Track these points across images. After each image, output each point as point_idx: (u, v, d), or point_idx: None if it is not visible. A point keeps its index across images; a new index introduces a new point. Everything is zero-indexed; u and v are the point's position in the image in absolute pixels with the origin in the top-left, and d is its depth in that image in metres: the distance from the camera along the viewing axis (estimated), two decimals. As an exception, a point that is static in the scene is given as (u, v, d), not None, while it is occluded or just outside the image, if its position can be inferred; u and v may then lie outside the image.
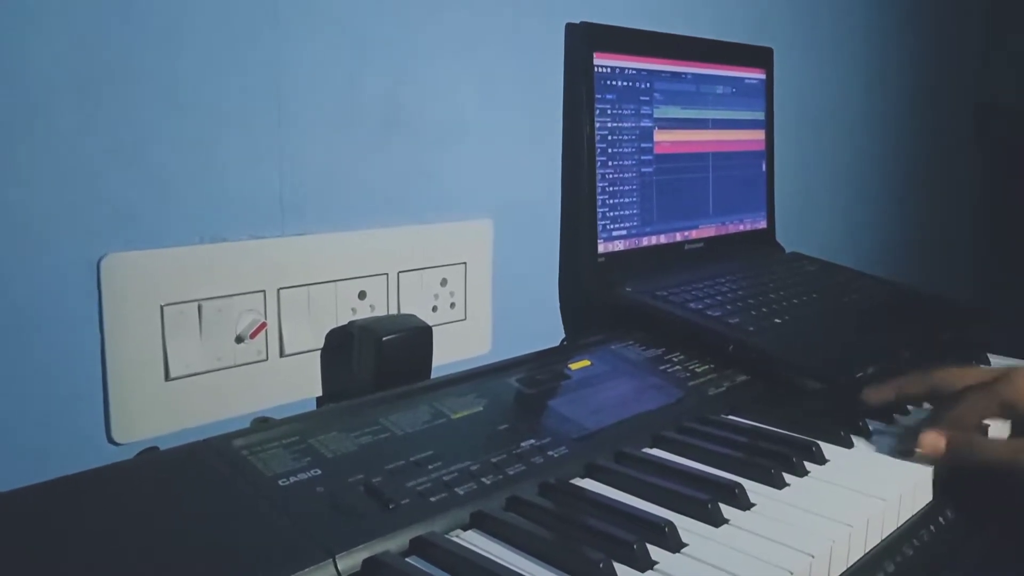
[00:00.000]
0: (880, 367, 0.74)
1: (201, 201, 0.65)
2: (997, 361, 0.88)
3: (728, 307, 0.85)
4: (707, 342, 0.79)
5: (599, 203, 0.90)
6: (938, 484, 0.60)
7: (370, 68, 0.74)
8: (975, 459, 0.59)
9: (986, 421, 0.64)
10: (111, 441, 0.62)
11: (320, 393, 0.73)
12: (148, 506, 0.49)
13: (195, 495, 0.50)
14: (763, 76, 1.14)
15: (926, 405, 0.71)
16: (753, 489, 0.56)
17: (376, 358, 0.69)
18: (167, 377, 0.64)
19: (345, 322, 0.73)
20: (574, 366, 0.73)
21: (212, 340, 0.65)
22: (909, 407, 0.71)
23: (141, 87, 0.61)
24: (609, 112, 0.91)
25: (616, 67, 0.92)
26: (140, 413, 0.63)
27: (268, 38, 0.67)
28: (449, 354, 0.80)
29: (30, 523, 0.46)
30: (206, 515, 0.48)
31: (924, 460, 0.60)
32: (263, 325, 0.67)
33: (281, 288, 0.69)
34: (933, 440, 0.60)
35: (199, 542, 0.46)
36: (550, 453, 0.59)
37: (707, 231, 1.05)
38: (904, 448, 0.62)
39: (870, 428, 0.66)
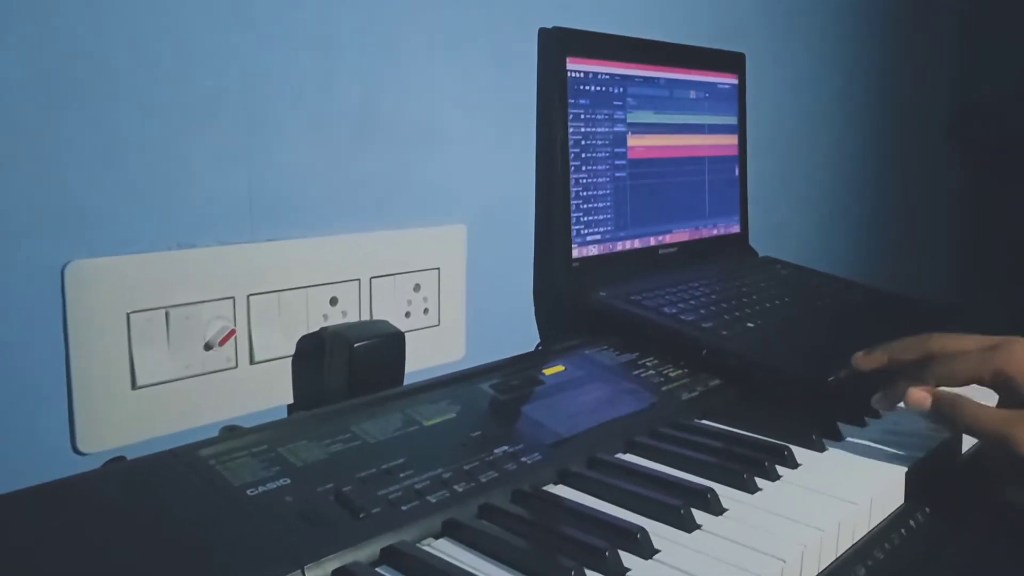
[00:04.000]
0: (853, 370, 0.74)
1: (168, 206, 0.64)
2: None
3: (702, 311, 0.85)
4: (681, 346, 0.79)
5: (573, 208, 0.90)
6: (910, 487, 0.60)
7: (342, 71, 0.74)
8: (960, 424, 0.58)
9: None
10: (76, 451, 0.61)
11: (291, 400, 0.72)
12: (114, 517, 0.48)
13: (162, 506, 0.49)
14: (736, 81, 1.15)
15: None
16: (726, 494, 0.56)
17: (348, 365, 0.69)
18: (134, 385, 0.62)
19: (317, 328, 0.72)
20: (548, 371, 0.73)
21: (180, 348, 0.64)
22: (882, 413, 0.71)
23: (108, 88, 0.60)
24: (582, 117, 0.91)
25: (589, 72, 0.92)
26: (106, 422, 0.62)
27: (238, 39, 0.67)
28: (422, 360, 0.80)
29: (-8, 535, 0.45)
30: (173, 526, 0.48)
31: (910, 409, 0.60)
32: (232, 332, 0.67)
33: (251, 294, 0.68)
34: (920, 397, 0.59)
35: (165, 553, 0.45)
36: (523, 460, 0.58)
37: (681, 236, 1.06)
38: (889, 401, 0.61)
39: (842, 432, 0.67)
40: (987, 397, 0.62)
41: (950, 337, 0.64)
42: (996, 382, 0.60)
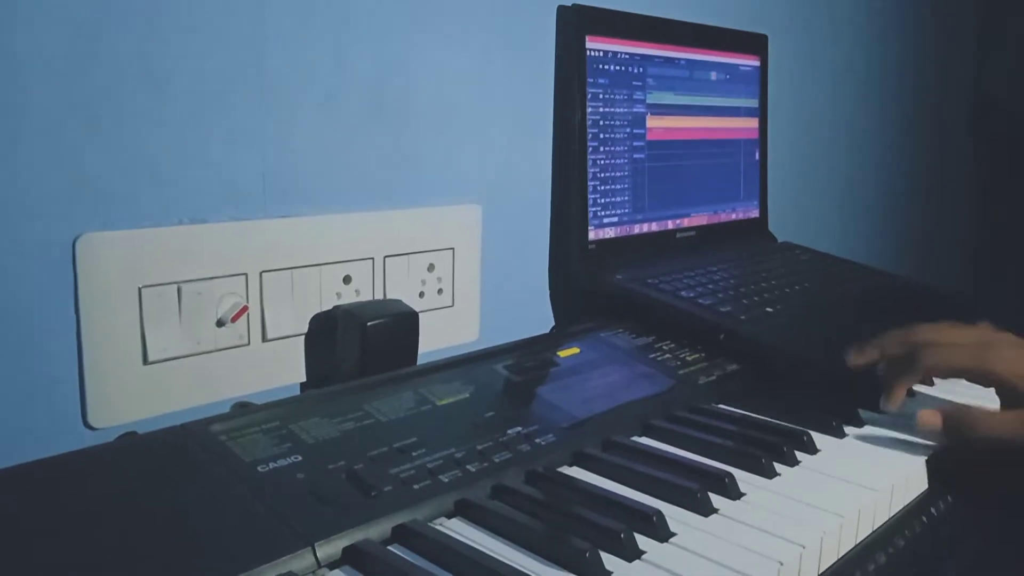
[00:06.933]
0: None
1: (182, 181, 0.63)
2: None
3: (720, 296, 0.84)
4: (698, 330, 0.78)
5: (590, 189, 0.89)
6: (933, 472, 0.59)
7: (356, 47, 0.73)
8: (975, 435, 0.58)
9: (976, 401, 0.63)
10: (87, 426, 0.60)
11: (304, 379, 0.72)
12: (124, 491, 0.47)
13: (172, 481, 0.49)
14: (758, 63, 1.13)
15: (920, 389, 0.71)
16: (743, 479, 0.55)
17: (360, 343, 0.68)
18: (145, 361, 0.62)
19: (329, 307, 0.72)
20: (563, 353, 0.72)
21: (192, 323, 0.64)
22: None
23: (121, 63, 0.59)
24: (601, 97, 0.90)
25: (609, 51, 0.90)
26: (117, 398, 0.61)
27: (252, 14, 0.66)
28: (436, 341, 0.79)
29: (2, 506, 0.45)
30: (183, 501, 0.47)
31: (923, 436, 0.59)
32: (244, 309, 0.66)
33: (264, 271, 0.68)
34: (930, 417, 0.59)
35: (175, 528, 0.45)
36: (537, 441, 0.57)
37: (699, 219, 1.04)
38: (891, 401, 0.61)
39: (862, 418, 0.65)
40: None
41: (936, 328, 0.65)
42: (985, 381, 0.61)
